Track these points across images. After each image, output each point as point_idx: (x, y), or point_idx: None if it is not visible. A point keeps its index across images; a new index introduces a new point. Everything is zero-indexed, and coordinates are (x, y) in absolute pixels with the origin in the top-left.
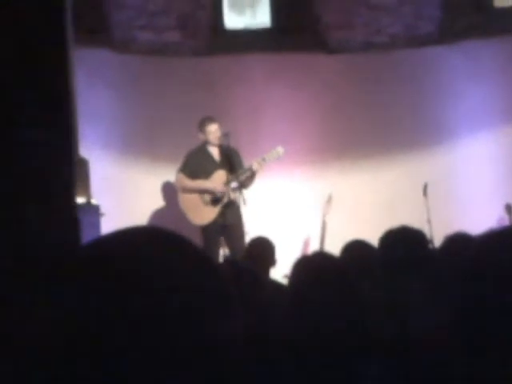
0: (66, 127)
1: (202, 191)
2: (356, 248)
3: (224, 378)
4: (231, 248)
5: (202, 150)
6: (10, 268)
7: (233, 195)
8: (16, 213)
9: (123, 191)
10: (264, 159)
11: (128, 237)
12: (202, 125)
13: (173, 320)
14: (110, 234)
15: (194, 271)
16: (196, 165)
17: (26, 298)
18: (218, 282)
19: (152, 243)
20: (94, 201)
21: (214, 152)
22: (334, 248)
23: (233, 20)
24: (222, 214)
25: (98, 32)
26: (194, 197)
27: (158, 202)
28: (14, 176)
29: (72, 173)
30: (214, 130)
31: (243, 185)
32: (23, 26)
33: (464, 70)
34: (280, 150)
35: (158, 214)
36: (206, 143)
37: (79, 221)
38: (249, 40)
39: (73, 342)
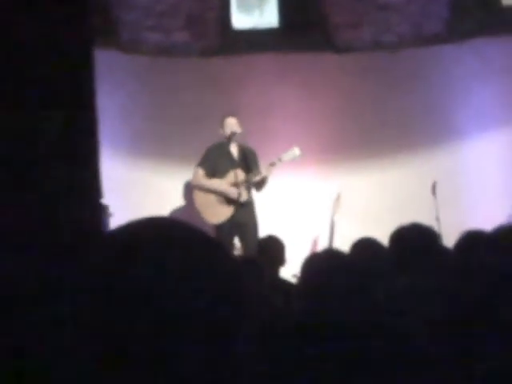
0: (92, 121)
1: (216, 192)
2: (365, 245)
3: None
4: (245, 247)
5: (221, 147)
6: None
7: (245, 196)
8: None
9: (132, 191)
10: (280, 159)
11: (151, 225)
12: (221, 119)
13: (185, 300)
14: (136, 221)
15: (209, 259)
16: (214, 161)
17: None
18: (234, 272)
19: (171, 231)
20: (102, 201)
21: (234, 150)
22: (343, 247)
23: (241, 20)
24: (235, 214)
25: (106, 33)
26: (209, 194)
27: (167, 201)
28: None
29: (98, 166)
30: (228, 124)
31: (255, 187)
32: (50, 26)
33: (472, 69)
34: (296, 150)
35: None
36: (225, 139)
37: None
38: (257, 40)
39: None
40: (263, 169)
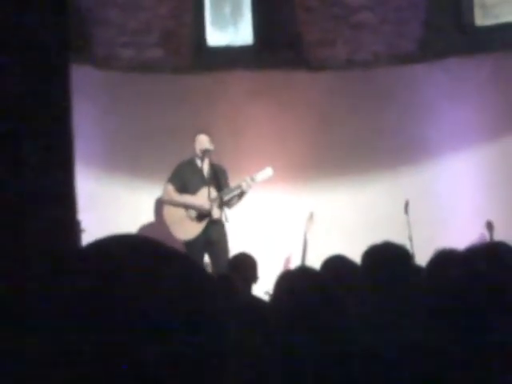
0: (67, 142)
1: (188, 206)
2: (336, 263)
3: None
4: (215, 264)
5: (192, 163)
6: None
7: (217, 213)
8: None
9: (104, 207)
10: (253, 179)
11: (126, 242)
12: (194, 136)
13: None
14: (111, 236)
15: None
16: (185, 177)
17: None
18: (209, 290)
19: (144, 249)
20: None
21: (204, 167)
22: (316, 265)
23: (215, 37)
24: (206, 231)
25: (80, 49)
26: (180, 210)
27: (140, 218)
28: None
29: (73, 184)
30: (199, 141)
31: (228, 204)
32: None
33: (445, 88)
34: (269, 170)
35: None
36: (196, 156)
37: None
38: (231, 57)
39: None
40: (234, 187)
